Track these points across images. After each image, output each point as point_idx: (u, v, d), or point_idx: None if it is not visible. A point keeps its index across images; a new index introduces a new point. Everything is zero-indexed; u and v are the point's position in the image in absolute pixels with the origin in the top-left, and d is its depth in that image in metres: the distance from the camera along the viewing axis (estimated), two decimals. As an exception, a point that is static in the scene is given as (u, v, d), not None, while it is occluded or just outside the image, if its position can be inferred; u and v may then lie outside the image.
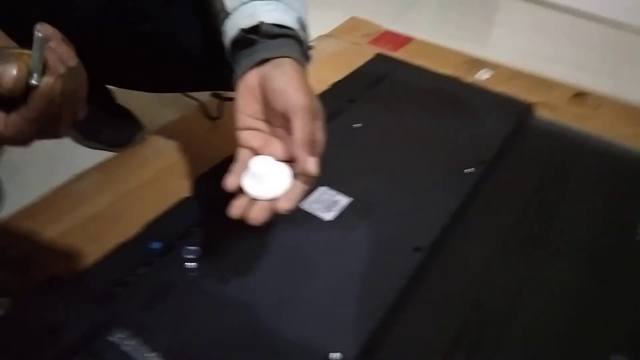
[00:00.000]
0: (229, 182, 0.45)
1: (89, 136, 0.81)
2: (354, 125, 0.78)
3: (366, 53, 1.05)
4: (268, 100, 0.48)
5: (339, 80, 0.89)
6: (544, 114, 0.92)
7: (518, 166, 0.76)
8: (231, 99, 0.52)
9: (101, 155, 0.79)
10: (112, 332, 0.48)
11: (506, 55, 1.20)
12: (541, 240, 0.65)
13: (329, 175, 0.67)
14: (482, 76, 1.08)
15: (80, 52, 0.52)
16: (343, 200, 0.64)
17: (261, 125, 0.50)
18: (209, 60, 0.57)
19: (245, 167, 0.46)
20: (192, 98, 0.91)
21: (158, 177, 0.74)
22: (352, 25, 1.25)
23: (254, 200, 0.45)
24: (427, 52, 1.14)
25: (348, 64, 0.97)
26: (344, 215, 0.62)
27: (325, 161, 0.72)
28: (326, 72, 0.94)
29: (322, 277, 0.54)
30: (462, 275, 0.59)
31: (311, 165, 0.44)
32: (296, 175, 0.46)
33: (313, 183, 0.47)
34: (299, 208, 0.62)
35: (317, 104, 0.48)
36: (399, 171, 0.70)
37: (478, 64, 1.13)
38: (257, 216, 0.44)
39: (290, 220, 0.60)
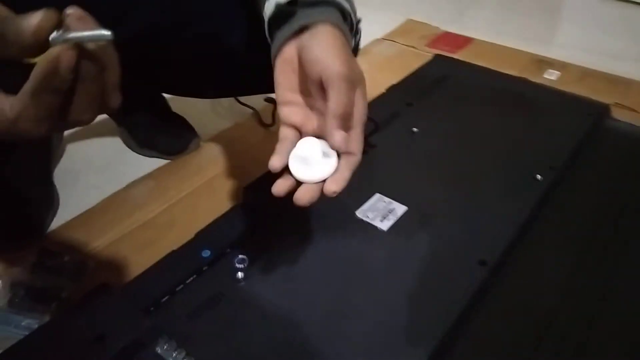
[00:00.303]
0: (274, 163, 0.43)
1: (144, 144, 0.82)
2: (413, 129, 0.74)
3: (424, 56, 1.01)
4: (305, 71, 0.45)
5: (396, 83, 0.86)
6: (621, 115, 0.85)
7: (593, 172, 0.70)
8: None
9: (156, 163, 0.79)
10: (158, 342, 0.46)
11: (576, 54, 1.12)
12: (619, 252, 0.58)
13: (384, 182, 0.64)
14: (550, 77, 1.01)
15: (135, 59, 0.51)
16: (399, 209, 0.60)
17: (300, 98, 0.47)
18: (257, 61, 0.55)
19: (288, 145, 0.45)
20: (247, 106, 0.90)
21: (211, 185, 0.74)
22: (409, 28, 1.22)
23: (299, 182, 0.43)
24: (488, 53, 1.09)
25: (405, 67, 0.93)
26: (401, 224, 0.58)
27: (380, 167, 0.68)
28: (382, 76, 0.91)
29: (377, 292, 0.51)
30: (532, 292, 0.53)
31: (337, 139, 0.41)
32: (342, 155, 0.43)
33: (359, 161, 0.44)
34: (353, 217, 0.59)
35: (357, 71, 0.44)
36: (461, 178, 0.66)
37: (545, 64, 1.06)
38: (304, 197, 0.42)
39: (344, 229, 0.58)
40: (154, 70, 0.62)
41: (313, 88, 0.45)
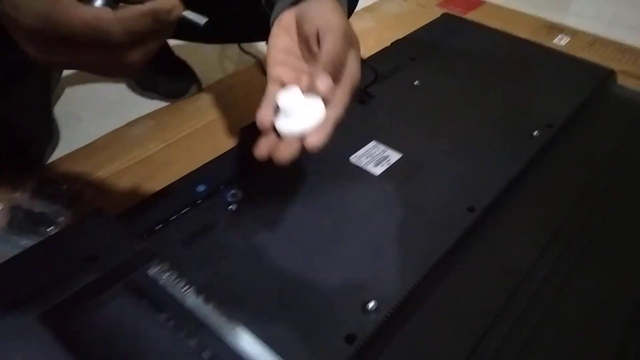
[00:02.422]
0: (263, 116, 0.41)
1: (146, 86, 0.82)
2: (414, 82, 0.74)
3: (433, 15, 1.00)
4: (303, 31, 0.44)
5: (401, 38, 0.85)
6: (628, 83, 0.84)
7: (592, 134, 0.70)
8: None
9: (157, 105, 0.79)
10: (150, 265, 0.47)
11: (588, 22, 1.10)
12: (606, 216, 0.58)
13: (381, 130, 0.65)
14: (560, 42, 1.00)
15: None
16: (394, 156, 0.61)
17: (293, 60, 0.46)
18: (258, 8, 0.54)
19: (274, 100, 0.43)
20: (250, 54, 0.90)
21: (210, 127, 0.74)
22: (420, -13, 1.20)
23: (281, 139, 0.42)
24: (499, 16, 1.07)
25: (413, 26, 0.92)
26: (394, 170, 0.59)
27: (378, 116, 0.69)
28: (390, 34, 0.90)
29: (365, 231, 0.52)
30: (517, 242, 0.54)
31: (323, 83, 0.40)
32: (327, 107, 0.41)
33: (342, 116, 0.42)
34: (346, 161, 0.60)
35: (353, 33, 0.44)
36: (458, 130, 0.66)
37: (556, 29, 1.04)
38: (284, 154, 0.40)
39: (336, 172, 0.58)
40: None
41: (308, 47, 0.44)
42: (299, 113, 0.41)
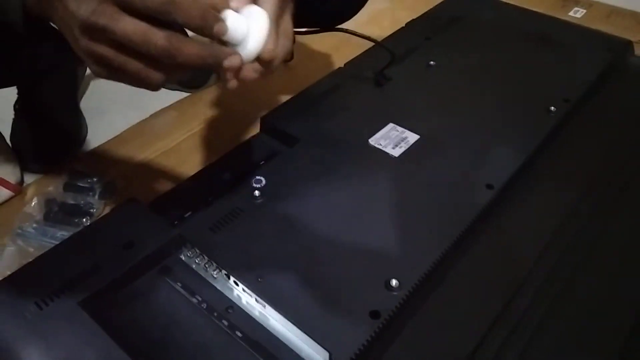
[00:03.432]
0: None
1: (166, 77, 0.84)
2: (430, 62, 0.74)
3: (447, -7, 0.99)
4: None
5: (416, 18, 0.85)
6: (645, 53, 0.83)
7: (610, 108, 0.70)
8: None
9: (178, 96, 0.81)
10: (182, 250, 0.50)
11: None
12: (619, 194, 0.59)
13: (398, 113, 0.66)
14: (576, 14, 0.99)
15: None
16: (412, 137, 0.62)
17: None
18: None
19: None
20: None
21: (231, 116, 0.76)
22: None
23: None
24: (513, -10, 1.06)
25: (428, 4, 0.93)
26: (412, 151, 0.60)
27: (395, 98, 0.70)
28: (404, 14, 0.91)
29: (387, 210, 0.53)
30: (536, 218, 0.55)
31: None
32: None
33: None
34: (366, 144, 0.61)
35: None
36: (475, 109, 0.66)
37: (571, 1, 1.03)
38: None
39: (356, 155, 0.60)
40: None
41: None
42: (246, 34, 0.39)
